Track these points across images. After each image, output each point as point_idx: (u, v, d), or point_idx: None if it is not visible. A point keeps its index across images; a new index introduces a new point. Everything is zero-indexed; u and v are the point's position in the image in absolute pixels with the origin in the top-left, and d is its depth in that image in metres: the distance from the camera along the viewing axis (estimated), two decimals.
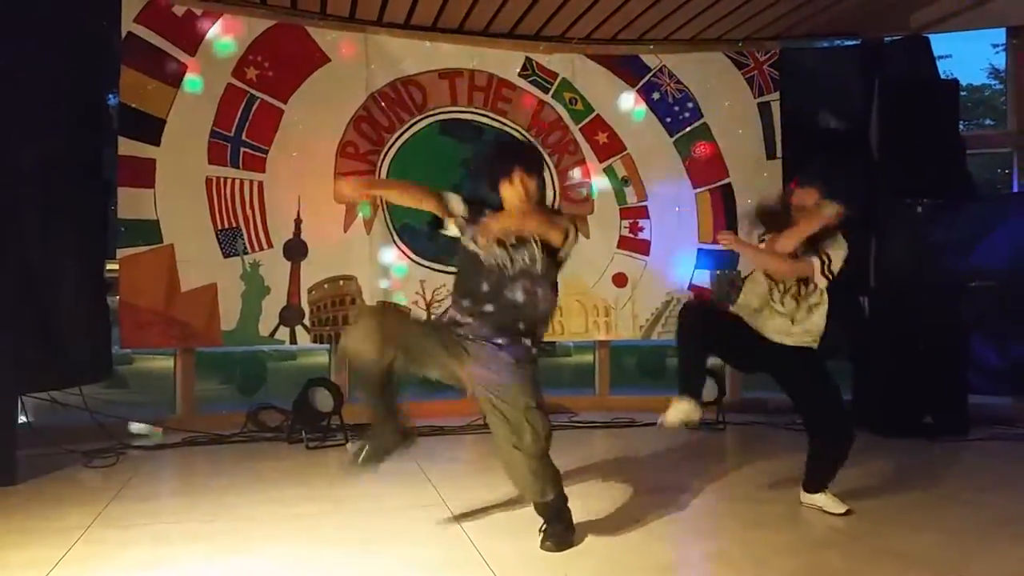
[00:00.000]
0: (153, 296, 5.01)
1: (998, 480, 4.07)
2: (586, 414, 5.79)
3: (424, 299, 5.71)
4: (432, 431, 5.19)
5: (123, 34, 4.94)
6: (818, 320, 3.49)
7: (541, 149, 5.59)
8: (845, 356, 5.86)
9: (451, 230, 3.05)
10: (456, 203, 3.00)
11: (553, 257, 2.95)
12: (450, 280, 5.66)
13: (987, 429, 5.16)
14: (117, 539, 3.06)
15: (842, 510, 3.35)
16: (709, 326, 3.45)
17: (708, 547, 3.04)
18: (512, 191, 2.92)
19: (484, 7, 5.42)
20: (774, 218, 3.53)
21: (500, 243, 2.91)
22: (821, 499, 3.42)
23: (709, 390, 5.49)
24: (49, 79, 4.24)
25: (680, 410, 3.23)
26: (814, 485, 3.45)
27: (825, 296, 3.49)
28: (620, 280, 6.06)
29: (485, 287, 2.94)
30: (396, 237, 5.69)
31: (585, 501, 3.58)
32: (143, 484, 3.94)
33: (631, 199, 6.12)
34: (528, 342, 2.96)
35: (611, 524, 3.27)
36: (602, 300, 6.04)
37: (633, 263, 6.08)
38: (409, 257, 5.71)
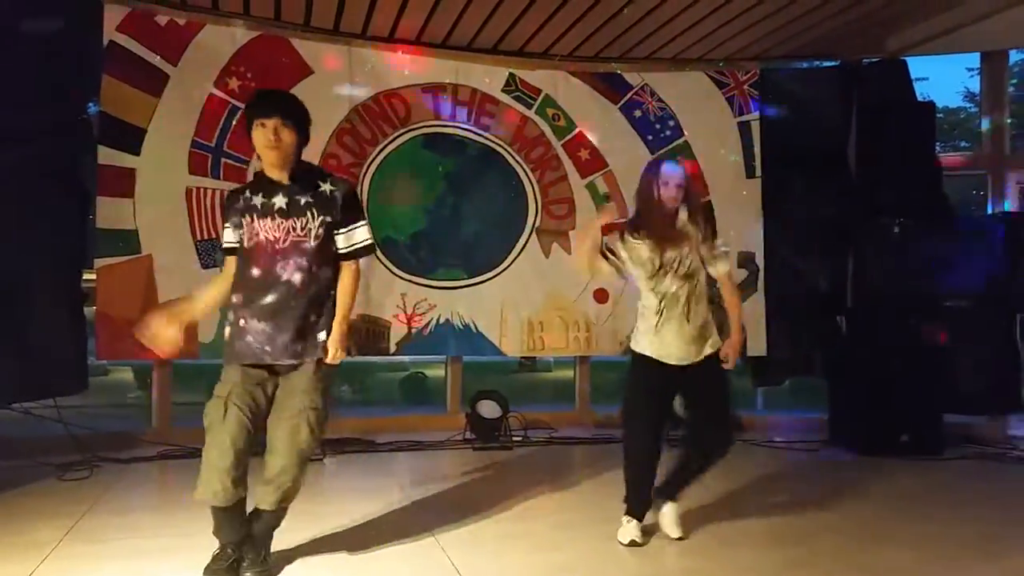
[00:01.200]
0: (130, 307, 4.95)
1: (971, 499, 4.11)
2: (566, 430, 5.79)
3: (404, 312, 5.70)
4: (409, 445, 5.17)
5: (105, 43, 4.91)
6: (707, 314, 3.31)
7: None
8: (821, 374, 5.93)
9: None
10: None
11: None
12: (432, 292, 5.73)
13: (962, 448, 5.22)
14: (89, 554, 3.01)
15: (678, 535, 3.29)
16: (657, 431, 3.30)
17: (684, 563, 3.04)
18: None
19: (468, 22, 5.45)
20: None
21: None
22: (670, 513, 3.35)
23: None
24: (27, 87, 4.21)
25: (630, 531, 3.22)
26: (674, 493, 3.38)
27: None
28: (601, 296, 6.07)
29: None
30: (377, 250, 5.67)
31: (562, 516, 3.59)
32: (117, 498, 3.89)
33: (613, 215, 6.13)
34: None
35: (588, 539, 3.26)
36: (583, 316, 6.05)
37: (615, 279, 6.09)
38: (389, 270, 5.70)
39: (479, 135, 5.97)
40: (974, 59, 6.28)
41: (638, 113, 6.17)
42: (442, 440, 5.35)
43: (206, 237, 5.20)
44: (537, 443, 5.43)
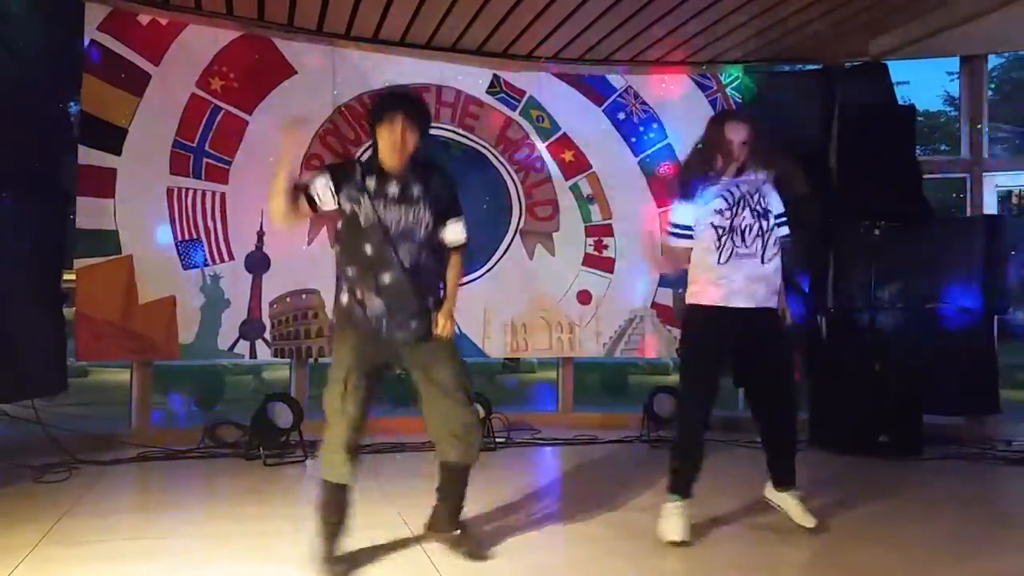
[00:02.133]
0: (110, 308, 4.92)
1: (949, 498, 4.15)
2: (548, 431, 5.79)
3: None
4: (393, 448, 5.16)
5: (86, 42, 4.87)
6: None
7: None
8: (802, 374, 5.96)
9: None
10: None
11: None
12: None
13: (941, 448, 5.26)
14: (67, 557, 2.98)
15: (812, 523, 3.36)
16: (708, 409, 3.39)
17: (663, 564, 3.05)
18: None
19: (452, 23, 5.44)
20: (703, 160, 3.41)
21: None
22: (790, 500, 3.42)
23: (671, 408, 5.57)
24: (5, 87, 4.17)
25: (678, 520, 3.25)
26: (791, 477, 3.45)
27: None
28: (584, 297, 6.09)
29: None
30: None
31: (544, 518, 3.59)
32: (96, 500, 3.85)
33: (596, 217, 6.17)
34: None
35: (570, 541, 3.27)
36: (566, 317, 6.06)
37: (598, 281, 6.12)
38: None
39: (463, 136, 5.97)
40: (954, 63, 6.35)
41: (622, 115, 6.19)
42: (424, 442, 5.32)
43: (187, 238, 5.17)
44: (520, 444, 5.43)
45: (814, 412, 5.65)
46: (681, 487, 3.31)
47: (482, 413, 5.42)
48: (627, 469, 4.78)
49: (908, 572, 2.97)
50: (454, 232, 3.07)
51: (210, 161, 5.26)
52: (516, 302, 5.97)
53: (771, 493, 3.51)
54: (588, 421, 6.09)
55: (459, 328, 5.77)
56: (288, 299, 5.43)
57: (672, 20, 5.32)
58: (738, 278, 3.26)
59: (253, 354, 5.38)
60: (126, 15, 5.01)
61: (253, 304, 5.34)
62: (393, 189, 2.93)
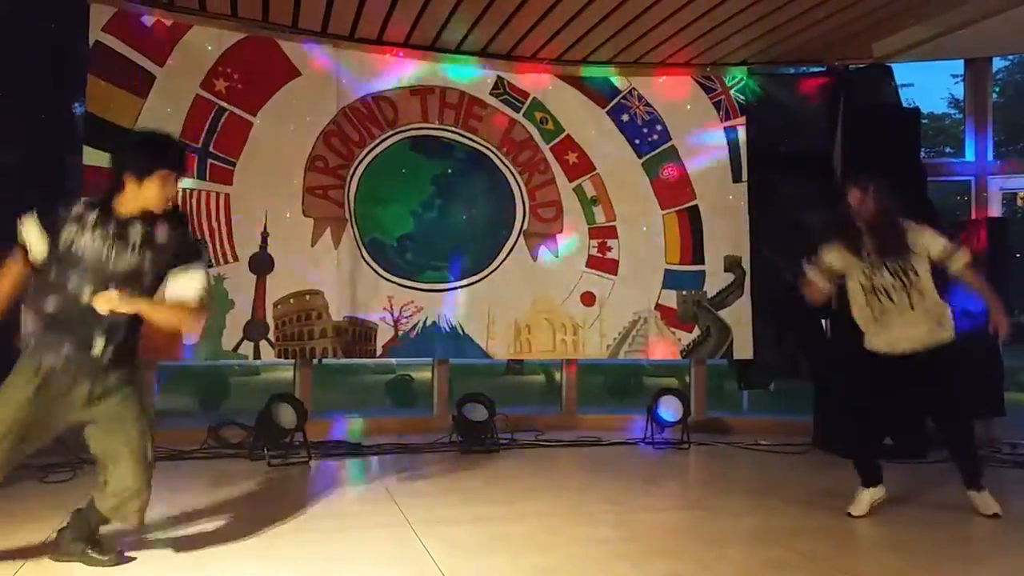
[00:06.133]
0: None
1: (955, 502, 4.12)
2: (552, 432, 5.79)
3: (392, 314, 5.69)
4: (395, 448, 5.16)
5: (91, 43, 4.88)
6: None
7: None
8: (807, 377, 5.95)
9: None
10: None
11: None
12: (419, 295, 5.72)
13: (945, 451, 5.23)
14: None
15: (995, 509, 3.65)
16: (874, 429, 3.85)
17: (668, 566, 3.05)
18: None
19: (456, 25, 5.45)
20: (844, 232, 3.76)
21: None
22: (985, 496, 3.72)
23: (675, 410, 5.56)
24: (11, 88, 4.18)
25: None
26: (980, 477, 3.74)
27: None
28: (588, 299, 6.09)
29: None
30: (363, 252, 5.66)
31: (548, 520, 3.58)
32: None
33: (600, 219, 6.16)
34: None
35: (574, 543, 3.26)
36: (570, 319, 6.06)
37: (601, 282, 6.12)
38: (376, 272, 5.69)
39: (467, 138, 5.98)
40: (959, 66, 6.34)
41: (625, 117, 6.19)
42: (428, 443, 5.34)
43: None
44: (523, 445, 5.43)
45: (819, 415, 5.65)
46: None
47: (484, 414, 5.44)
48: (632, 471, 4.77)
49: (912, 575, 2.96)
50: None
51: (214, 162, 5.27)
52: (520, 304, 5.97)
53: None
54: (592, 423, 6.09)
55: (463, 329, 5.80)
56: (292, 300, 5.44)
57: (676, 22, 5.32)
58: None
59: (257, 355, 5.38)
60: (131, 16, 5.02)
61: (257, 305, 5.34)
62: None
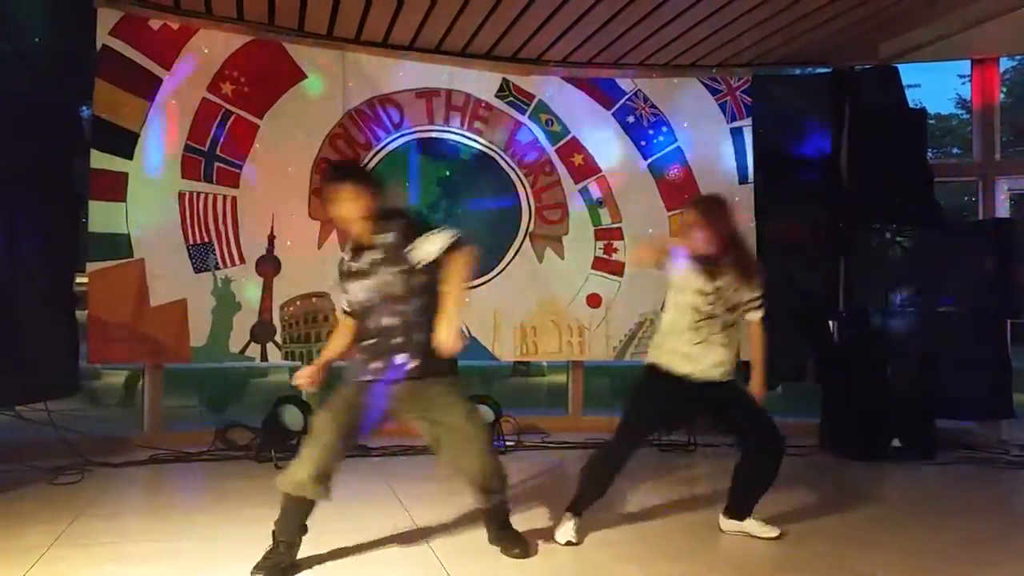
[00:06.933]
0: (122, 311, 4.95)
1: (963, 504, 4.12)
2: (559, 435, 5.78)
3: None
4: (403, 450, 5.16)
5: (98, 47, 4.90)
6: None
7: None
8: (813, 379, 5.94)
9: None
10: None
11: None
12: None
13: (954, 453, 5.23)
14: (79, 558, 3.00)
15: (775, 534, 3.34)
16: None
17: (672, 568, 3.04)
18: None
19: (462, 28, 5.46)
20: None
21: None
22: (750, 525, 3.40)
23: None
24: (18, 91, 4.20)
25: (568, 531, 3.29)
26: (746, 509, 3.43)
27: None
28: (594, 301, 6.08)
29: None
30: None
31: (555, 522, 3.58)
32: (108, 502, 3.87)
33: (606, 220, 6.16)
34: None
35: (583, 545, 3.26)
36: (576, 320, 6.06)
37: (607, 284, 6.11)
38: None
39: (473, 140, 5.98)
40: (966, 66, 6.32)
41: (631, 119, 6.19)
42: None
43: (198, 241, 5.19)
44: (530, 448, 5.43)
45: (826, 417, 5.63)
46: None
47: (490, 416, 5.43)
48: (637, 473, 4.76)
49: None
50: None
51: (221, 165, 5.28)
52: (526, 305, 5.97)
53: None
54: (598, 425, 6.07)
55: (470, 332, 5.80)
56: (299, 302, 5.45)
57: (682, 23, 5.31)
58: None
59: (264, 357, 5.39)
60: (138, 20, 5.04)
61: (264, 307, 5.36)
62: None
